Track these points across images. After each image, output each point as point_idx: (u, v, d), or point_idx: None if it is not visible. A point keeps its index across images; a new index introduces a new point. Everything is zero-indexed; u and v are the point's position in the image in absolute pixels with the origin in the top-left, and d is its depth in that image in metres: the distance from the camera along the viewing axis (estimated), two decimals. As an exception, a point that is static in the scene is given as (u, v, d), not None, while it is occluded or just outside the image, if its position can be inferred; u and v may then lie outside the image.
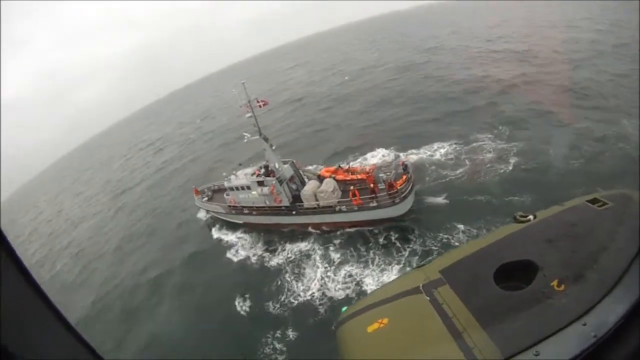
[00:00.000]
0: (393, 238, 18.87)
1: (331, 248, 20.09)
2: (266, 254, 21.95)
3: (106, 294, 25.28)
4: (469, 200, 19.45)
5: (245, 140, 23.24)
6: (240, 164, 25.97)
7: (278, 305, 17.56)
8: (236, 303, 18.71)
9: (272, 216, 23.19)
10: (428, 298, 5.74)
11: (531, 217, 6.50)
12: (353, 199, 19.60)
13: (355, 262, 18.28)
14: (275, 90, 76.75)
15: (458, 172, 22.64)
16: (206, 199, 27.88)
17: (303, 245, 21.27)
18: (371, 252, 18.58)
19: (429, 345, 5.19)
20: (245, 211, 24.08)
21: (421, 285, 6.04)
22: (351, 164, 25.70)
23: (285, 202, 22.30)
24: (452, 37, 74.21)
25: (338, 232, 21.01)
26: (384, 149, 28.98)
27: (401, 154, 27.08)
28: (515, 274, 5.45)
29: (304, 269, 19.28)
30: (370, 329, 5.92)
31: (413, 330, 5.65)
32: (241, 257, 22.69)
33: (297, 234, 22.43)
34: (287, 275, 19.34)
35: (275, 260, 20.96)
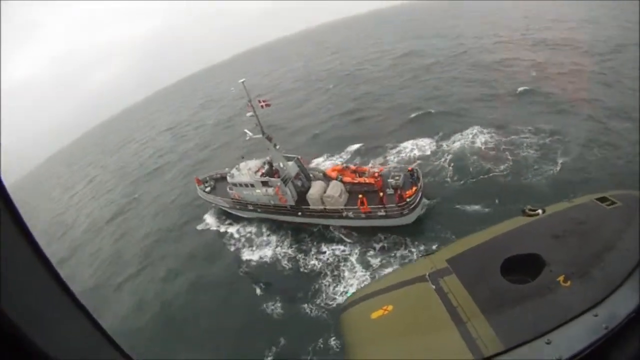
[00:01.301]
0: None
1: (370, 253, 18.73)
2: (299, 255, 20.61)
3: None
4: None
5: (247, 138, 22.17)
6: (242, 157, 25.05)
7: (315, 309, 16.54)
8: (266, 306, 17.79)
9: (276, 215, 22.81)
10: (434, 287, 5.71)
11: (540, 211, 6.50)
12: (361, 207, 19.06)
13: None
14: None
15: (502, 168, 21.38)
16: (208, 189, 27.31)
17: (339, 249, 19.87)
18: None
19: (432, 334, 5.21)
20: (250, 207, 23.67)
21: (427, 273, 6.00)
22: (359, 164, 24.78)
23: (291, 202, 21.79)
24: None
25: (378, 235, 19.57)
26: (426, 138, 27.49)
27: (444, 143, 25.81)
28: (522, 267, 5.43)
29: (343, 272, 18.18)
30: (374, 315, 5.94)
31: (417, 318, 5.69)
32: (268, 257, 21.49)
33: (330, 234, 21.17)
34: (324, 278, 18.20)
35: (310, 262, 19.74)
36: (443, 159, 24.09)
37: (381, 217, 18.89)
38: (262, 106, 20.65)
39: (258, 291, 19.13)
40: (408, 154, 26.37)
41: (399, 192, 18.49)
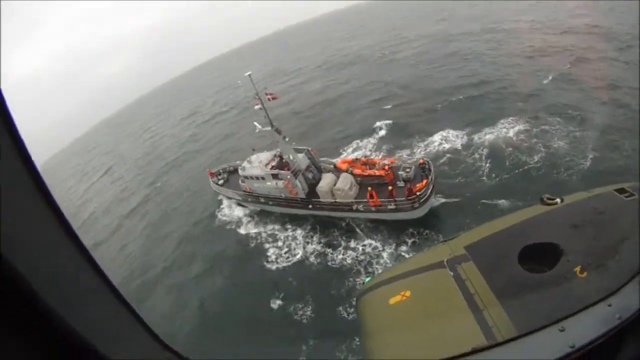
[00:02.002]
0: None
1: (403, 248, 18.00)
2: (327, 250, 19.71)
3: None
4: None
5: (257, 131, 22.08)
6: (253, 149, 25.01)
7: (348, 308, 15.66)
8: (295, 307, 16.86)
9: (288, 207, 22.81)
10: (452, 273, 5.78)
11: (558, 200, 6.42)
12: (370, 200, 18.76)
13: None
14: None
15: (535, 159, 20.31)
16: (221, 181, 27.54)
17: (369, 244, 18.89)
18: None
19: (449, 321, 5.26)
20: (261, 200, 23.75)
21: (445, 260, 6.08)
22: (370, 155, 24.33)
23: (301, 195, 21.71)
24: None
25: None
26: (453, 130, 26.00)
27: (475, 136, 24.25)
28: (539, 255, 5.42)
29: (377, 269, 17.38)
30: (392, 300, 6.03)
31: (434, 304, 5.76)
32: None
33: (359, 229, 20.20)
34: (357, 276, 17.33)
35: (338, 258, 18.89)
36: (477, 154, 22.67)
37: (391, 210, 18.57)
38: (268, 99, 20.47)
39: (286, 290, 18.19)
40: (437, 148, 24.91)
41: (408, 185, 18.06)
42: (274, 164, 22.30)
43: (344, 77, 55.17)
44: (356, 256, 18.55)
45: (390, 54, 59.15)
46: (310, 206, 21.39)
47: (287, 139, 21.41)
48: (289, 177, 21.11)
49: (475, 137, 24.36)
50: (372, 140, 29.74)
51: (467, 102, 30.50)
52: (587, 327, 1.87)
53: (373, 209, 19.02)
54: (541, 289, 4.86)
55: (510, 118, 25.11)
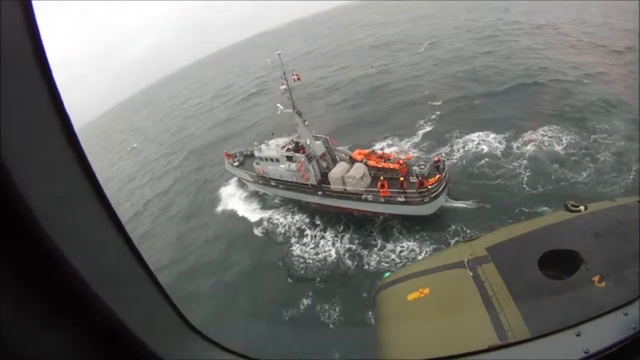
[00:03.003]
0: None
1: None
2: (362, 251, 18.30)
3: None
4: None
5: (279, 112, 22.41)
6: (273, 133, 25.31)
7: None
8: (323, 312, 15.47)
9: (297, 192, 22.73)
10: (471, 274, 5.79)
11: (582, 207, 6.37)
12: (381, 190, 18.49)
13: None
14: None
15: (584, 175, 18.45)
16: (237, 163, 27.84)
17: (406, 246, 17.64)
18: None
19: (465, 322, 5.30)
20: (272, 183, 23.79)
21: (466, 260, 6.08)
22: (387, 150, 24.19)
23: (312, 181, 21.63)
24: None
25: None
26: (493, 133, 24.23)
27: (514, 144, 22.50)
28: (559, 262, 5.45)
29: None
30: (410, 297, 6.08)
31: (452, 304, 5.76)
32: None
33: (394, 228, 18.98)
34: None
35: (372, 260, 17.46)
36: (517, 163, 20.99)
37: (400, 203, 18.22)
38: (294, 79, 20.85)
39: (314, 292, 16.81)
40: (474, 148, 23.42)
41: (420, 178, 17.78)
42: (290, 147, 22.44)
43: (387, 61, 53.45)
44: (392, 259, 17.26)
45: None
46: (319, 192, 21.25)
47: (307, 123, 21.60)
48: (302, 159, 21.14)
49: (515, 144, 22.76)
50: (413, 135, 28.19)
51: (512, 102, 28.48)
52: (603, 333, 1.84)
53: (382, 199, 18.72)
54: (558, 295, 4.86)
55: (554, 126, 23.30)
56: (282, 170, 22.62)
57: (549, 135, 22.50)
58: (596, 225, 5.75)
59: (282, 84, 20.92)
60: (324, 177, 21.64)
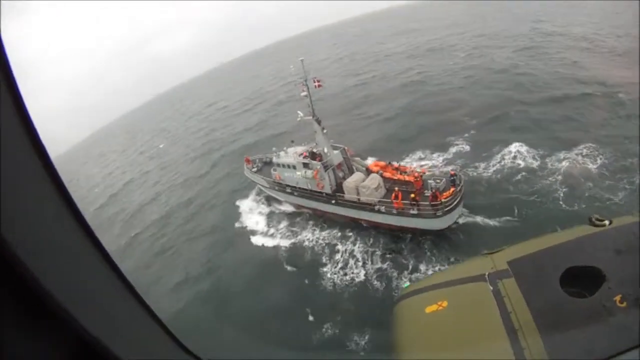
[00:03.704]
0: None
1: None
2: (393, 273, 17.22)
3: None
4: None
5: (299, 119, 22.73)
6: (292, 141, 25.63)
7: None
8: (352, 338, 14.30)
9: (311, 200, 22.76)
10: (491, 288, 5.67)
11: (607, 222, 6.16)
12: (395, 201, 18.24)
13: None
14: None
15: (620, 196, 17.47)
16: (255, 169, 28.28)
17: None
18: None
19: (483, 339, 5.19)
20: (288, 190, 23.96)
21: (487, 273, 5.96)
22: (402, 163, 23.93)
23: (327, 189, 21.63)
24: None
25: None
26: (526, 146, 23.33)
27: (549, 160, 21.28)
28: (581, 278, 5.32)
29: None
30: (428, 309, 5.98)
31: (470, 318, 5.63)
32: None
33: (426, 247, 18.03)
34: None
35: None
36: (552, 178, 20.18)
37: (413, 215, 17.88)
38: (315, 86, 21.17)
39: (342, 311, 15.94)
40: (509, 162, 22.52)
41: (433, 191, 17.43)
42: (307, 154, 22.64)
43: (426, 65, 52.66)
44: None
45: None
46: (333, 201, 21.19)
47: (325, 131, 21.78)
48: (318, 167, 21.24)
49: (549, 160, 21.72)
50: (446, 149, 27.08)
51: (551, 116, 27.41)
52: None
53: (394, 211, 18.43)
54: (581, 317, 4.69)
55: (591, 144, 21.98)
56: (298, 177, 22.78)
57: (584, 153, 21.50)
58: (620, 241, 5.54)
59: (303, 91, 21.31)
60: (339, 187, 21.60)
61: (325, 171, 21.50)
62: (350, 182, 20.38)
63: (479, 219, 18.59)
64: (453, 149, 26.64)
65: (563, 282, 5.23)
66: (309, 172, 21.76)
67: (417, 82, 47.02)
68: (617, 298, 4.68)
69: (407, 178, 19.65)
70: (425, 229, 18.12)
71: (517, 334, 4.83)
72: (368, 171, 21.78)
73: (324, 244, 20.91)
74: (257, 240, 23.55)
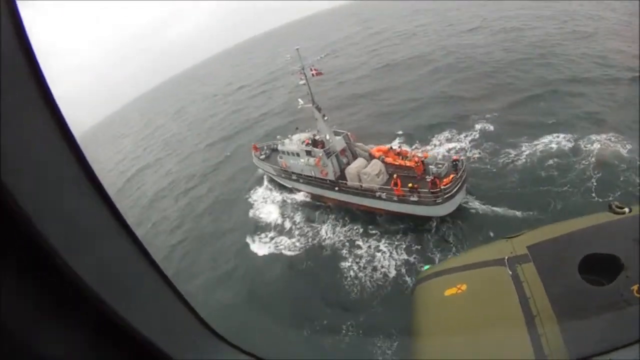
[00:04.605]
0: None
1: None
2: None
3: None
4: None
5: (299, 107, 22.66)
6: (297, 128, 25.66)
7: None
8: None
9: (316, 187, 22.99)
10: (510, 273, 5.70)
11: (627, 210, 6.08)
12: (395, 188, 18.18)
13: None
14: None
15: None
16: (263, 156, 28.64)
17: None
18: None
19: (501, 324, 5.22)
20: (294, 177, 24.25)
21: (506, 257, 5.99)
22: (404, 147, 23.51)
23: (331, 176, 21.75)
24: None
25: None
26: (562, 134, 21.28)
27: (594, 145, 19.36)
28: (599, 266, 5.28)
29: None
30: (447, 292, 6.06)
31: (488, 303, 5.71)
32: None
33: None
34: None
35: None
36: (583, 163, 18.61)
37: (413, 202, 17.79)
38: (313, 74, 20.95)
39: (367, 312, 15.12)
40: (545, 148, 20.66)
41: (433, 178, 17.17)
42: (309, 142, 22.68)
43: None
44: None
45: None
46: (336, 188, 21.33)
47: (326, 118, 21.68)
48: (320, 154, 21.31)
49: (582, 143, 20.12)
50: (471, 129, 25.56)
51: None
52: None
53: (395, 198, 18.39)
54: (598, 305, 4.68)
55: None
56: (302, 164, 22.97)
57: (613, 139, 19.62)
58: (638, 229, 5.45)
59: (301, 79, 21.13)
60: (343, 173, 21.65)
61: (328, 158, 21.55)
62: (352, 169, 20.39)
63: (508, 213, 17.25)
64: (479, 130, 25.20)
65: (581, 269, 5.22)
66: (312, 160, 21.89)
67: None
68: (635, 287, 4.67)
69: (408, 163, 19.40)
70: (426, 216, 18.02)
71: (535, 320, 4.86)
72: (371, 156, 21.65)
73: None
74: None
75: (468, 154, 22.31)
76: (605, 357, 1.74)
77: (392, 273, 16.56)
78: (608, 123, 21.07)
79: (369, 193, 19.61)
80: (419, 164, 18.90)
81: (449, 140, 25.52)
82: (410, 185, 17.68)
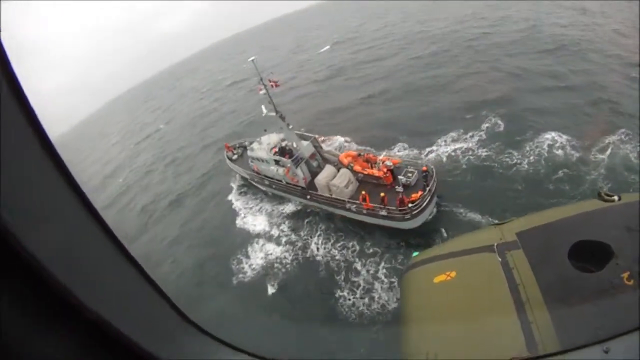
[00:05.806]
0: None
1: None
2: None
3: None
4: None
5: (263, 115, 21.58)
6: (265, 130, 24.66)
7: None
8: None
9: (287, 194, 22.66)
10: (500, 259, 5.67)
11: (616, 197, 6.11)
12: (363, 203, 17.91)
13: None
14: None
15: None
16: (236, 157, 27.84)
17: None
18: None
19: (490, 311, 5.17)
20: (266, 182, 23.79)
21: (495, 244, 5.96)
22: (373, 153, 22.72)
23: (302, 183, 21.33)
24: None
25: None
26: (558, 133, 20.06)
27: (594, 148, 18.20)
28: (589, 253, 5.29)
29: None
30: (437, 279, 6.02)
31: (478, 290, 5.70)
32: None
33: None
34: None
35: None
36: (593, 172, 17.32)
37: (382, 217, 17.63)
38: (272, 86, 19.79)
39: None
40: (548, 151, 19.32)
41: (400, 195, 16.81)
42: (276, 150, 21.95)
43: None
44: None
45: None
46: (308, 197, 21.02)
47: (290, 127, 20.81)
48: (289, 165, 20.73)
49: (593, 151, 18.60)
50: (478, 132, 23.68)
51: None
52: (633, 352, 1.70)
53: (364, 211, 18.19)
54: (589, 293, 4.63)
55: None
56: (273, 170, 22.44)
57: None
58: (630, 217, 5.44)
59: (260, 90, 19.95)
60: (314, 176, 21.19)
61: (297, 167, 20.98)
62: (321, 179, 19.90)
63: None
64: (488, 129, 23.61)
65: (571, 256, 5.19)
66: (281, 170, 21.35)
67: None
68: (625, 275, 4.67)
69: (376, 173, 18.93)
70: (396, 228, 17.95)
71: (525, 307, 4.84)
72: (339, 162, 21.09)
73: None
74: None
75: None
76: (597, 346, 1.71)
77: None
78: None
79: (339, 204, 19.36)
80: (387, 174, 18.45)
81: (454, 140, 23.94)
82: (382, 194, 17.27)
